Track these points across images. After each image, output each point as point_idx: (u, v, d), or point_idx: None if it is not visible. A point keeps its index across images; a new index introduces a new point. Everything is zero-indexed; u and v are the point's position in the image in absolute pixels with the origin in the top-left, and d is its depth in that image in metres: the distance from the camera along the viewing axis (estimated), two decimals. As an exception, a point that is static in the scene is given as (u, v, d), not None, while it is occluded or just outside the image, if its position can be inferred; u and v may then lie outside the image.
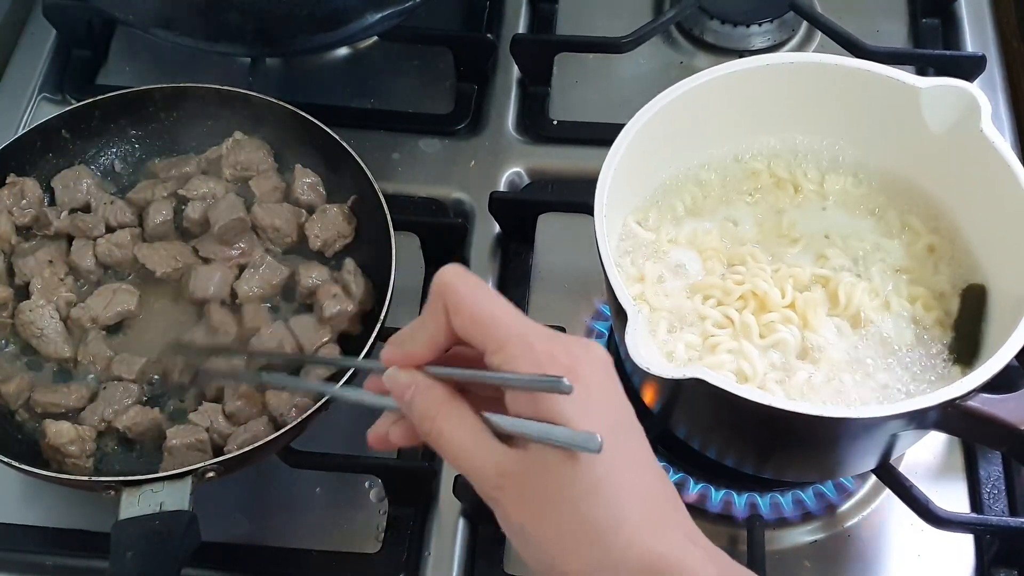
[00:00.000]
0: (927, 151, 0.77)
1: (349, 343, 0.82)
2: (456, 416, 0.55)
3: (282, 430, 0.74)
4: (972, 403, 0.65)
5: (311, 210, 0.88)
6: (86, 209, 0.88)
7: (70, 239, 0.87)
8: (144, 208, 0.87)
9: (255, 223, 0.86)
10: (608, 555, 0.52)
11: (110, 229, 0.86)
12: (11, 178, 0.86)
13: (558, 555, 0.53)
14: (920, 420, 0.66)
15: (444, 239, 0.92)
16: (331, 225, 0.86)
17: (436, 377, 0.56)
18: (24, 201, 0.86)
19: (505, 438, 0.55)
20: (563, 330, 0.85)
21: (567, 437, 0.52)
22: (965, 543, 0.80)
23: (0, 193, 0.86)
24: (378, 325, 0.79)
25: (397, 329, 0.83)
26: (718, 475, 0.80)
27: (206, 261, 0.86)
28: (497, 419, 0.55)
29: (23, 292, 0.84)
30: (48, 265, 0.84)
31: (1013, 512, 0.80)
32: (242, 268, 0.85)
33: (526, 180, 0.99)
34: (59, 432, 0.75)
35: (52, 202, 0.88)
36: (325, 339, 0.81)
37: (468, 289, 0.55)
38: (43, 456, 0.76)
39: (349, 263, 0.85)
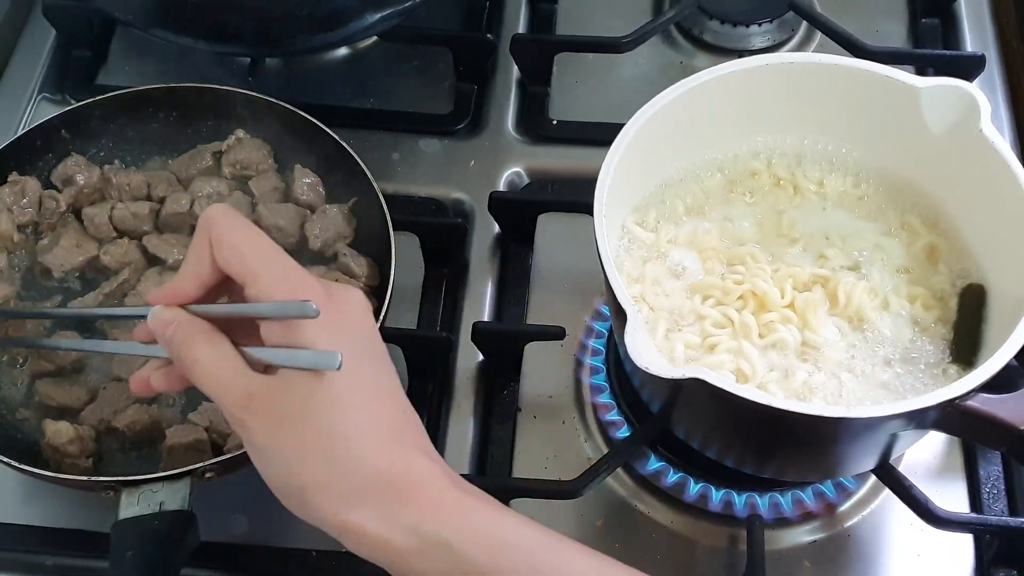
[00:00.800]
0: (927, 151, 0.77)
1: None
2: (211, 345, 0.58)
3: (282, 430, 0.73)
4: (971, 403, 0.65)
5: (311, 210, 0.88)
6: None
7: (78, 216, 0.87)
8: (162, 197, 0.88)
9: (259, 223, 0.86)
10: (342, 465, 0.55)
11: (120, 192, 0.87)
12: (13, 176, 0.87)
13: (296, 469, 0.56)
14: (920, 420, 0.66)
15: (444, 239, 0.92)
16: (331, 225, 0.86)
17: (199, 315, 0.60)
18: (24, 200, 0.86)
19: (261, 370, 0.57)
20: (563, 331, 0.85)
21: (308, 358, 0.55)
22: (965, 543, 0.80)
23: (1, 191, 0.86)
24: (377, 326, 0.78)
25: (396, 328, 0.85)
26: (718, 475, 0.80)
27: None
28: (250, 351, 0.58)
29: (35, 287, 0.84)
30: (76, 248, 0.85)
31: (1013, 512, 0.80)
32: None
33: (526, 180, 0.99)
34: (58, 432, 0.75)
35: (54, 199, 0.88)
36: None
37: (230, 223, 0.59)
38: (43, 456, 0.76)
39: (341, 246, 0.85)
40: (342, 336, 0.57)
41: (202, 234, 0.59)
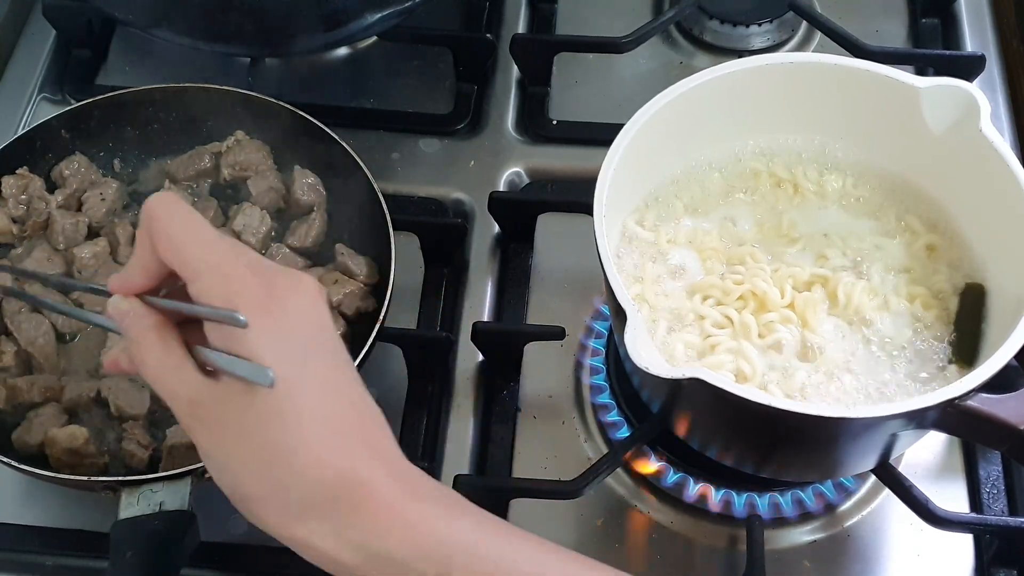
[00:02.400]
0: (927, 151, 0.77)
1: (368, 323, 0.81)
2: (160, 345, 0.57)
3: (281, 430, 0.73)
4: (971, 403, 0.65)
5: (310, 210, 0.88)
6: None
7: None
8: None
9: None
10: (287, 476, 0.54)
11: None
12: (22, 170, 0.87)
13: (242, 479, 0.55)
14: (920, 420, 0.66)
15: (444, 239, 0.92)
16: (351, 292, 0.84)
17: (154, 307, 0.58)
18: (24, 196, 0.86)
19: (208, 370, 0.56)
20: (563, 331, 0.85)
21: (245, 370, 0.53)
22: (965, 543, 0.80)
23: (7, 180, 0.86)
24: (377, 326, 0.79)
25: (396, 328, 0.85)
26: (718, 475, 0.80)
27: None
28: (199, 351, 0.57)
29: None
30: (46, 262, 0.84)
31: (1013, 512, 0.81)
32: None
33: (526, 180, 0.99)
34: (73, 435, 0.74)
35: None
36: (340, 331, 0.81)
37: (169, 216, 0.56)
38: (43, 456, 0.76)
39: (339, 247, 0.85)
40: (284, 339, 0.54)
41: (143, 227, 0.57)
